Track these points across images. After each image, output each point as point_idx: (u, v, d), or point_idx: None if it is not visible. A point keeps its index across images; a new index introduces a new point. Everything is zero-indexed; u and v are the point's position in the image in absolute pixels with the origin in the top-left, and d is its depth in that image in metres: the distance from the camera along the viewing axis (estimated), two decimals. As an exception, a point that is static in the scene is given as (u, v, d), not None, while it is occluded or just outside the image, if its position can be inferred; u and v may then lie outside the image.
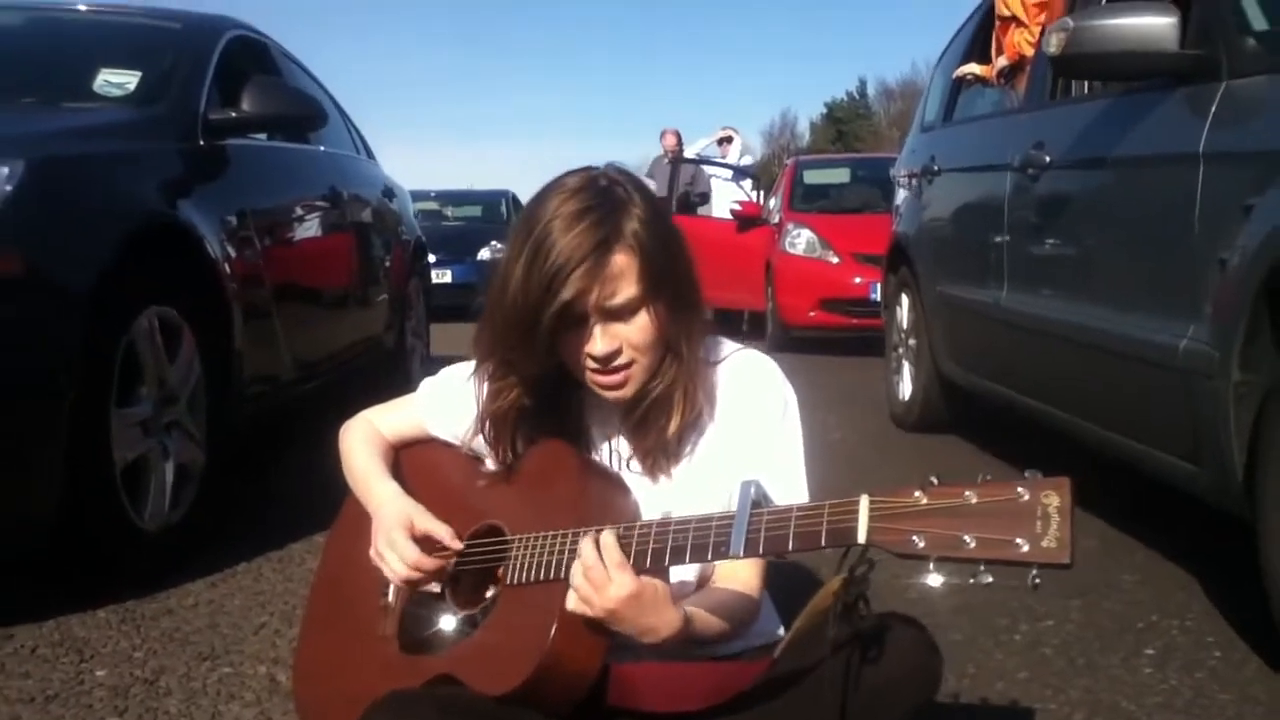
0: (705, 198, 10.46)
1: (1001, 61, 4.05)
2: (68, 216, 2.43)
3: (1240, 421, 2.09)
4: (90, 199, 2.54)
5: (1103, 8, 2.75)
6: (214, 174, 3.21)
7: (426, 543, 1.40)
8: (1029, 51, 3.75)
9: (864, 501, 1.09)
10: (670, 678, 1.31)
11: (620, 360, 1.33)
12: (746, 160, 11.94)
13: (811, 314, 7.93)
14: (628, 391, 1.36)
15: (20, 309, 2.25)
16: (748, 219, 8.93)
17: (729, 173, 10.50)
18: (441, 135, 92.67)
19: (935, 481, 1.08)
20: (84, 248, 2.42)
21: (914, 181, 4.68)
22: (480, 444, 1.48)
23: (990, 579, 1.03)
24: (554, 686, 1.23)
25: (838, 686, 1.17)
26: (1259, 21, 2.35)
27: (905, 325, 4.74)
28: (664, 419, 1.39)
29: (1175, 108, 2.47)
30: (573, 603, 1.22)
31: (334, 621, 1.54)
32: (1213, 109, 2.28)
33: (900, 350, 4.81)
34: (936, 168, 4.38)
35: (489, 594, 1.39)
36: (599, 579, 1.20)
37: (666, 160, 10.24)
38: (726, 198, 9.97)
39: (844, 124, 48.62)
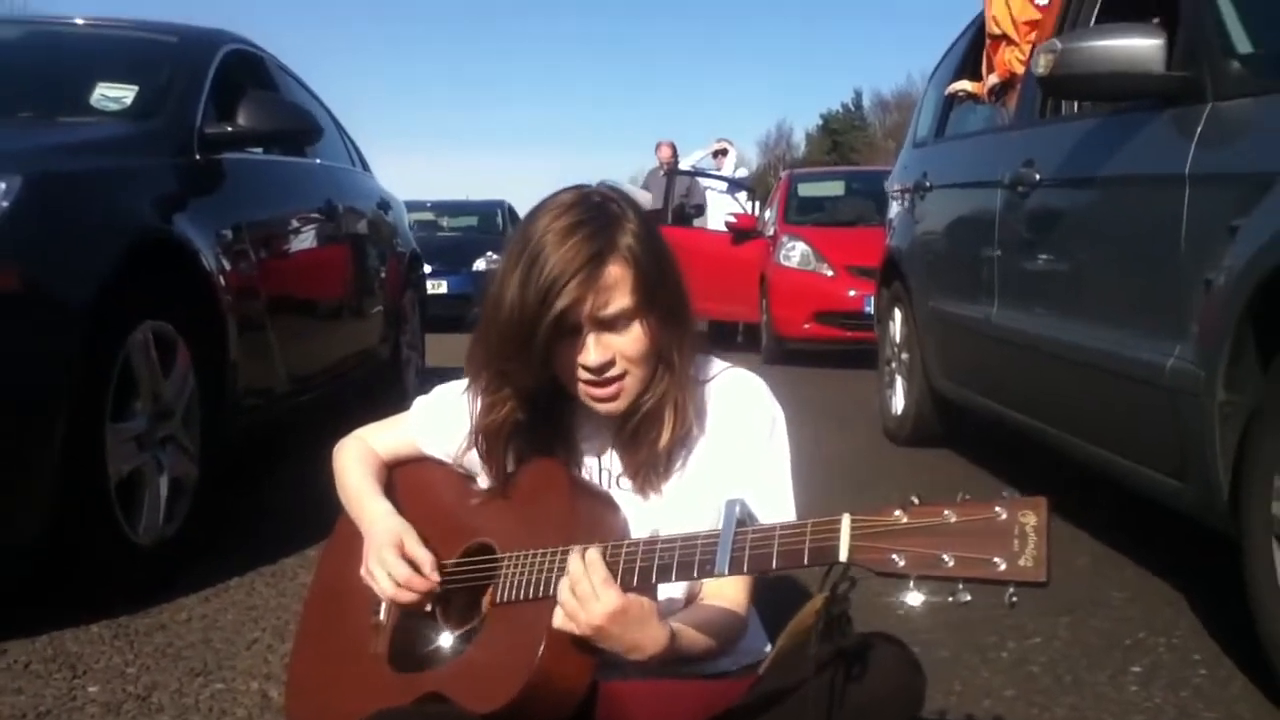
0: (700, 209, 10.51)
1: (992, 79, 4.08)
2: (64, 232, 2.44)
3: (1225, 440, 2.11)
4: (87, 214, 2.55)
5: (1091, 29, 2.78)
6: (209, 188, 3.23)
7: (414, 566, 1.41)
8: (1019, 69, 3.77)
9: (845, 521, 1.11)
10: (658, 696, 1.32)
11: (613, 371, 1.35)
12: (741, 172, 12.01)
13: (806, 326, 7.97)
14: (620, 404, 1.38)
15: (17, 324, 2.27)
16: (743, 231, 8.98)
17: (724, 185, 10.55)
18: (436, 145, 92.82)
19: (916, 501, 1.09)
20: (81, 263, 2.44)
21: (906, 197, 4.71)
22: (472, 461, 1.50)
23: (969, 597, 1.05)
24: (542, 704, 1.25)
25: (821, 705, 1.18)
26: (1243, 44, 2.38)
27: (898, 340, 4.77)
28: (655, 432, 1.40)
29: (1162, 128, 2.50)
30: (559, 619, 1.23)
31: (326, 639, 1.56)
32: (1198, 130, 2.31)
33: (893, 365, 4.83)
34: (928, 183, 4.41)
35: (480, 612, 1.40)
36: (585, 594, 1.21)
37: (662, 172, 10.29)
38: (721, 210, 10.03)
39: (839, 135, 48.74)
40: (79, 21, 4.01)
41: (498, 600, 1.34)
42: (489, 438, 1.43)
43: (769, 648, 1.47)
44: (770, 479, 1.43)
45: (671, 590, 1.39)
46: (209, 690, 2.05)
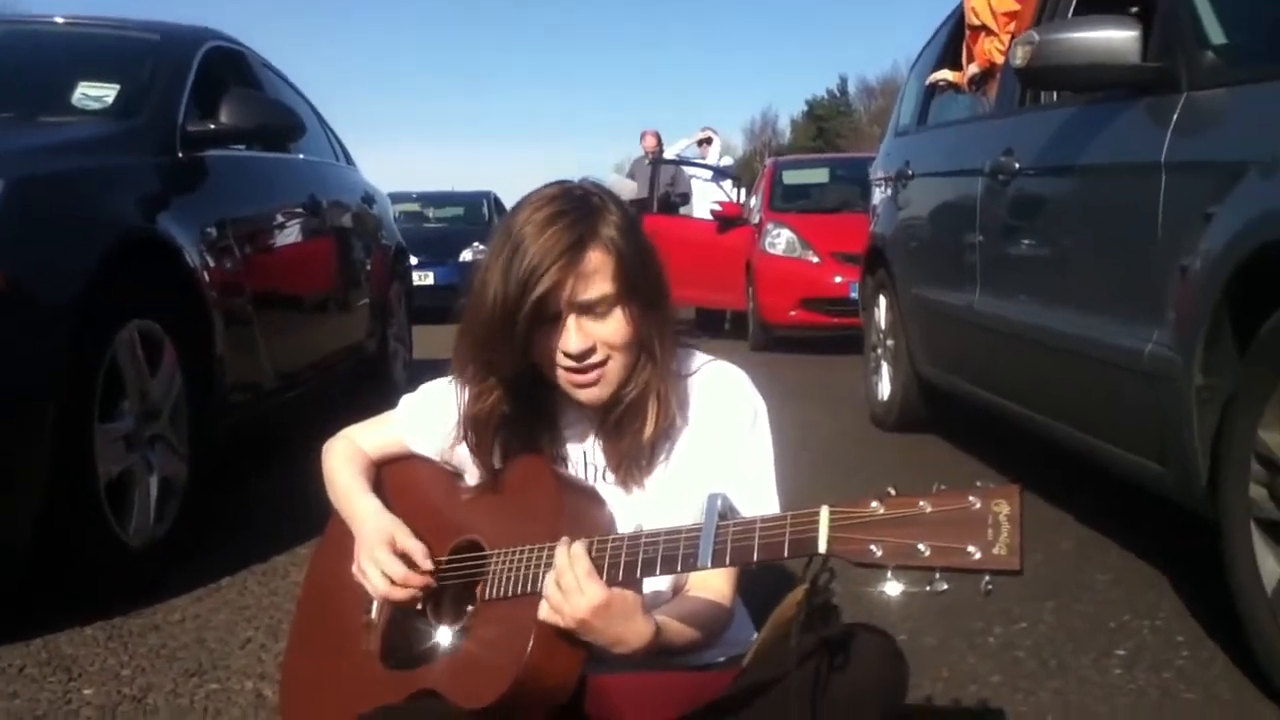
0: (686, 198, 10.51)
1: (973, 69, 4.10)
2: (48, 234, 2.45)
3: (1204, 424, 2.14)
4: (70, 215, 2.56)
5: (1068, 21, 2.80)
6: (193, 186, 3.23)
7: (407, 559, 1.43)
8: (999, 59, 3.80)
9: (824, 512, 1.13)
10: (646, 688, 1.34)
11: (595, 359, 1.37)
12: (726, 161, 12.00)
13: (792, 313, 7.99)
14: (603, 392, 1.40)
15: (3, 326, 2.27)
16: (728, 219, 8.98)
17: (709, 173, 10.55)
18: (420, 135, 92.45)
19: (892, 492, 1.12)
20: (65, 264, 2.44)
21: (889, 185, 4.73)
22: (460, 457, 1.52)
23: (945, 586, 1.07)
24: (533, 698, 1.27)
25: (804, 696, 1.21)
26: (1217, 35, 2.40)
27: (883, 326, 4.79)
28: (639, 423, 1.42)
29: (1139, 118, 2.52)
30: (544, 612, 1.25)
31: (319, 637, 1.58)
32: (1174, 119, 2.33)
33: (879, 351, 4.86)
34: (911, 172, 4.43)
35: (469, 608, 1.42)
36: (569, 587, 1.23)
37: (647, 161, 10.29)
38: (707, 198, 10.02)
39: (825, 121, 48.78)
40: (59, 20, 4.00)
41: (487, 597, 1.36)
42: (476, 428, 1.45)
43: (755, 637, 1.50)
44: (752, 472, 1.45)
45: (657, 583, 1.41)
46: (204, 690, 2.06)
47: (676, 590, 1.46)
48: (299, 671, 1.59)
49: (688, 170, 10.67)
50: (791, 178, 10.07)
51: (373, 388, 4.80)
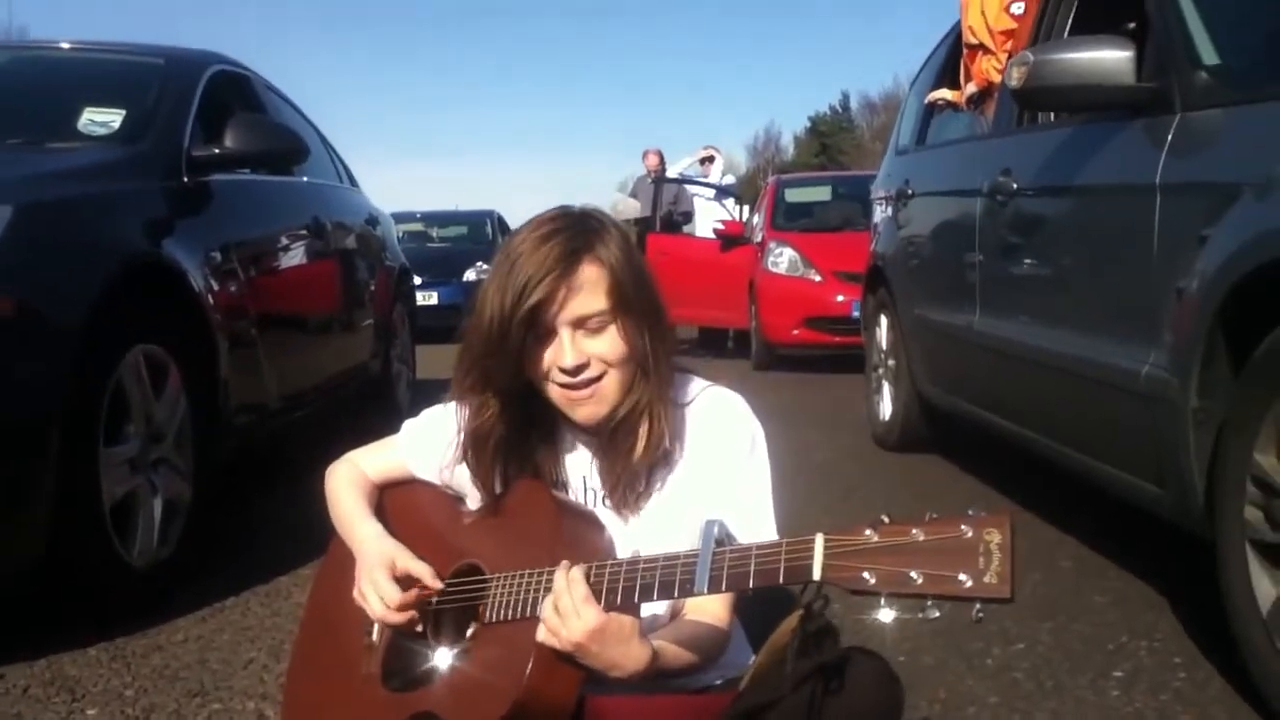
0: (688, 217, 10.55)
1: (970, 88, 4.13)
2: (55, 260, 2.47)
3: (1200, 446, 2.15)
4: (77, 241, 2.58)
5: (1062, 42, 2.83)
6: (198, 210, 3.26)
7: (408, 582, 1.45)
8: (996, 78, 3.82)
9: (819, 540, 1.14)
10: (643, 711, 1.36)
11: (589, 374, 1.39)
12: (729, 179, 12.05)
13: (795, 332, 8.01)
14: (598, 410, 1.41)
15: (10, 351, 2.30)
16: (731, 238, 9.01)
17: (711, 192, 10.59)
18: (424, 155, 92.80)
19: (886, 520, 1.13)
20: (72, 290, 2.47)
21: (889, 204, 4.76)
22: (461, 479, 1.54)
23: (938, 613, 1.08)
24: (531, 721, 1.28)
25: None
26: (1210, 56, 2.42)
27: (884, 346, 4.81)
28: (630, 442, 1.44)
29: (1134, 139, 2.54)
30: (542, 634, 1.27)
31: (321, 659, 1.59)
32: (1168, 140, 2.36)
33: (880, 370, 4.87)
34: (911, 191, 4.46)
35: (469, 632, 1.44)
36: (566, 610, 1.25)
37: (650, 180, 10.33)
38: (709, 217, 10.07)
39: (827, 137, 48.90)
40: (65, 46, 4.04)
41: (487, 620, 1.38)
42: (476, 445, 1.47)
43: (752, 661, 1.51)
44: (749, 498, 1.47)
45: (654, 606, 1.42)
46: (206, 711, 2.08)
47: (674, 614, 1.47)
48: (301, 693, 1.61)
49: (690, 189, 10.71)
50: (793, 196, 10.12)
51: (376, 409, 4.82)
